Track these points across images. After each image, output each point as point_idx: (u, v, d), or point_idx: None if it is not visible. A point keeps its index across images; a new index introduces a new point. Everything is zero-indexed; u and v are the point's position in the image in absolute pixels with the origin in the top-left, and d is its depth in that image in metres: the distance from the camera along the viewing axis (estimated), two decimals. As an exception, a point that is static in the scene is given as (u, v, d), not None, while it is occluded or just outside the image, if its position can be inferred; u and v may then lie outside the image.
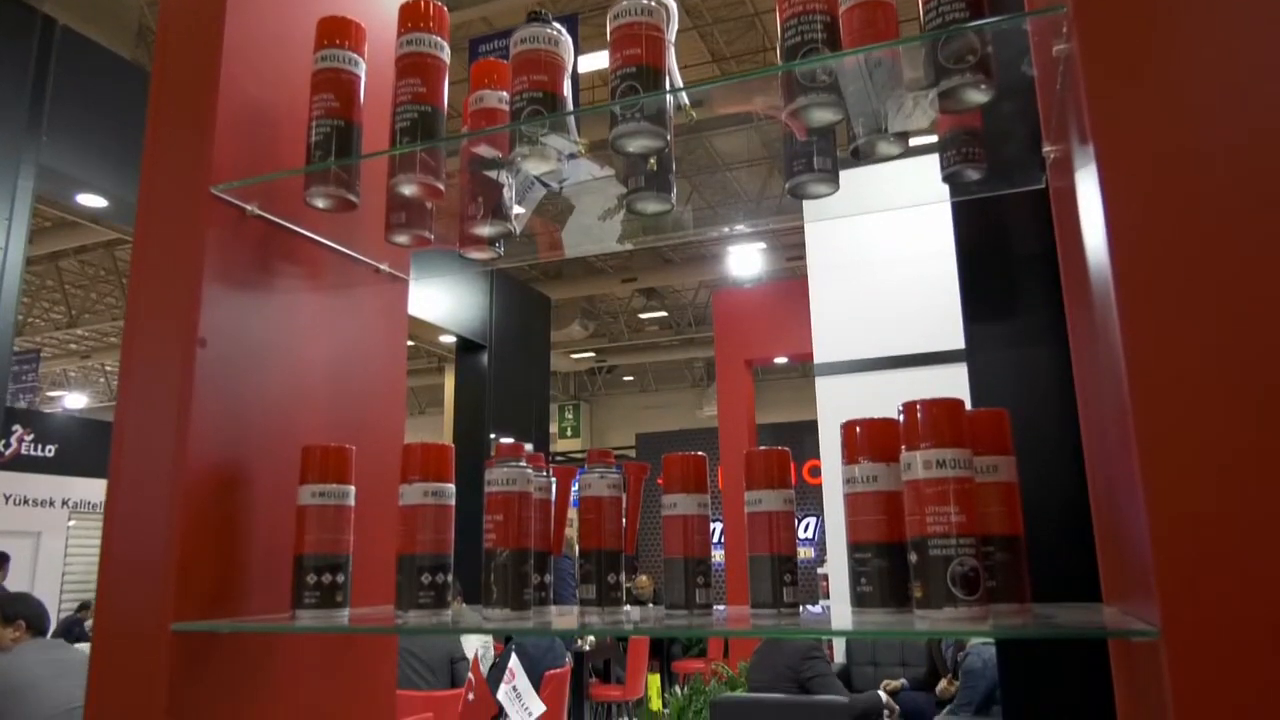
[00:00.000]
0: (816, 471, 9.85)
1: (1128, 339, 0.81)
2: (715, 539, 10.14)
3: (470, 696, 3.44)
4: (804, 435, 9.12)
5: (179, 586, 1.15)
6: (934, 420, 0.96)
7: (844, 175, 1.27)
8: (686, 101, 1.25)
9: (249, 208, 1.32)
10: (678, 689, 5.60)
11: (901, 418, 0.98)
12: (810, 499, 10.50)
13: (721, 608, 1.14)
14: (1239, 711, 0.72)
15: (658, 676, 9.00)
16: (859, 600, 0.99)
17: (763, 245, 11.05)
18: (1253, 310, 0.78)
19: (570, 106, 1.28)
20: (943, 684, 5.44)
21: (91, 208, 6.15)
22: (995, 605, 0.97)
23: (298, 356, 1.40)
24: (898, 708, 5.21)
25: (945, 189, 1.32)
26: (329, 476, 1.20)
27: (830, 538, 7.67)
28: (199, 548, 1.19)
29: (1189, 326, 0.80)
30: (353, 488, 1.22)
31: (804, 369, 14.52)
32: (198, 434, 1.20)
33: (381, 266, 1.58)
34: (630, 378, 18.56)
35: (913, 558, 0.95)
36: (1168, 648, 0.74)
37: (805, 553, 11.14)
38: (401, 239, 1.42)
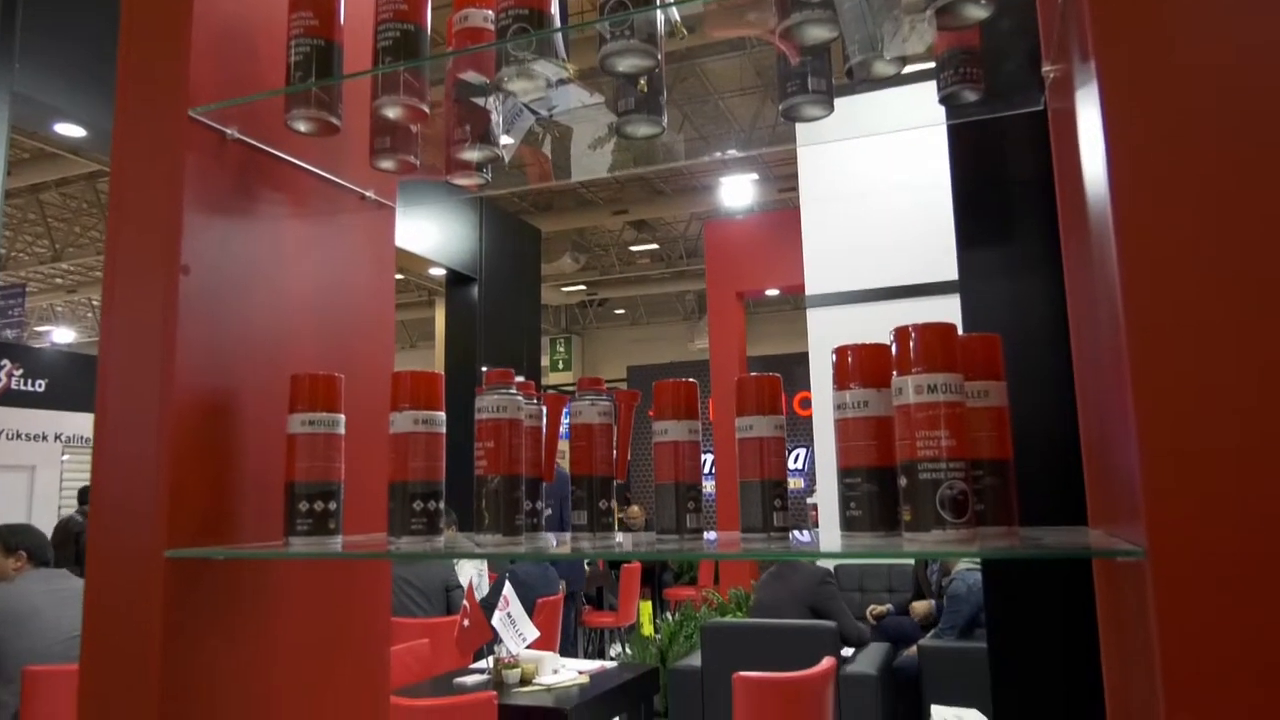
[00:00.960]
0: (807, 404, 9.93)
1: (1124, 266, 0.80)
2: (706, 470, 10.25)
3: (465, 623, 3.51)
4: (794, 367, 9.16)
5: (171, 514, 1.15)
6: (926, 345, 0.95)
7: (839, 101, 1.24)
8: (677, 17, 1.21)
9: (229, 132, 1.29)
10: (669, 615, 5.72)
11: (893, 343, 0.98)
12: (800, 431, 10.60)
13: (712, 534, 1.15)
14: (1221, 630, 0.74)
15: (649, 604, 9.19)
16: (848, 524, 0.99)
17: (755, 176, 10.93)
18: (1255, 239, 0.77)
19: (558, 25, 1.24)
20: (923, 606, 5.57)
21: (70, 137, 6.01)
22: (983, 528, 0.98)
23: (284, 284, 1.38)
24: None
25: (942, 111, 1.30)
26: (318, 405, 1.19)
27: (820, 469, 7.77)
28: (189, 476, 1.19)
29: (1188, 254, 0.79)
30: (342, 416, 1.22)
31: (795, 301, 14.51)
32: (184, 362, 1.19)
33: (367, 193, 1.55)
34: (621, 311, 18.53)
35: (902, 482, 0.95)
36: (1153, 567, 0.75)
37: (795, 483, 11.29)
38: (387, 164, 1.39)
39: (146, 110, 1.28)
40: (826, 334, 6.71)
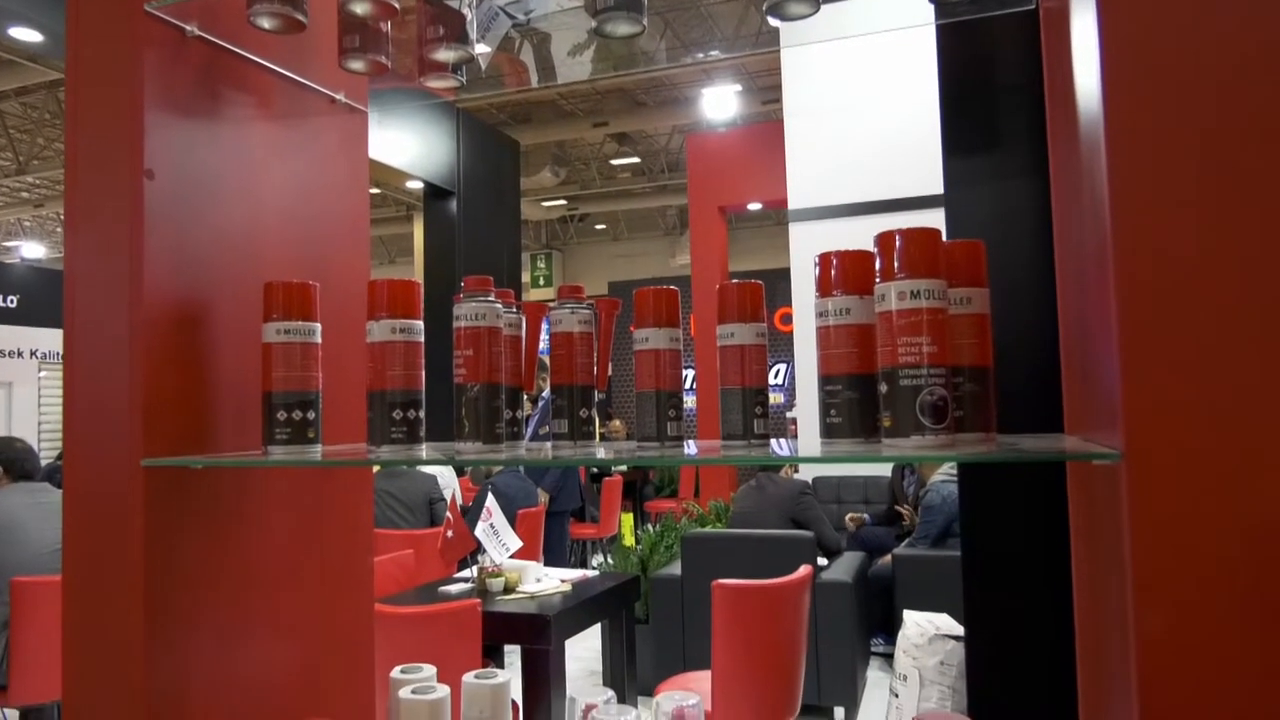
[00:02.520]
0: (788, 320, 9.95)
1: (1113, 172, 0.78)
2: (687, 386, 10.31)
3: (449, 534, 3.56)
4: (776, 283, 9.15)
5: (146, 424, 1.14)
6: (910, 250, 0.94)
7: (826, 7, 1.19)
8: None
9: (188, 28, 1.23)
10: (650, 527, 5.83)
11: (877, 249, 0.97)
12: (781, 346, 10.65)
13: (693, 442, 1.16)
14: (1192, 533, 0.75)
15: (630, 516, 9.36)
16: (828, 431, 1.00)
17: (738, 88, 10.70)
18: (1252, 150, 0.76)
19: (533, -86, 1.18)
20: (906, 514, 5.70)
21: (26, 42, 5.77)
22: (961, 435, 0.99)
23: (254, 190, 1.34)
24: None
25: (931, 11, 1.26)
26: (293, 313, 1.17)
27: (800, 384, 7.83)
28: (164, 385, 1.17)
29: (1180, 161, 0.77)
30: (318, 325, 1.20)
31: (777, 216, 14.39)
32: (153, 270, 1.16)
33: (338, 96, 1.49)
34: (603, 226, 18.34)
35: (883, 388, 0.95)
36: (1128, 470, 0.76)
37: (775, 398, 11.40)
38: (356, 65, 1.34)
39: (100, 4, 1.21)
40: (809, 249, 6.67)
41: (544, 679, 3.16)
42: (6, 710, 3.98)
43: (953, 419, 0.94)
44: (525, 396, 1.22)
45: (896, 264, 0.94)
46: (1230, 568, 0.74)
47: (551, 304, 1.17)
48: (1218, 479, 0.75)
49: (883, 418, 0.95)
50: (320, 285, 1.23)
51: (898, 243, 0.94)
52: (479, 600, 3.06)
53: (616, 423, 10.40)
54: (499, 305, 1.12)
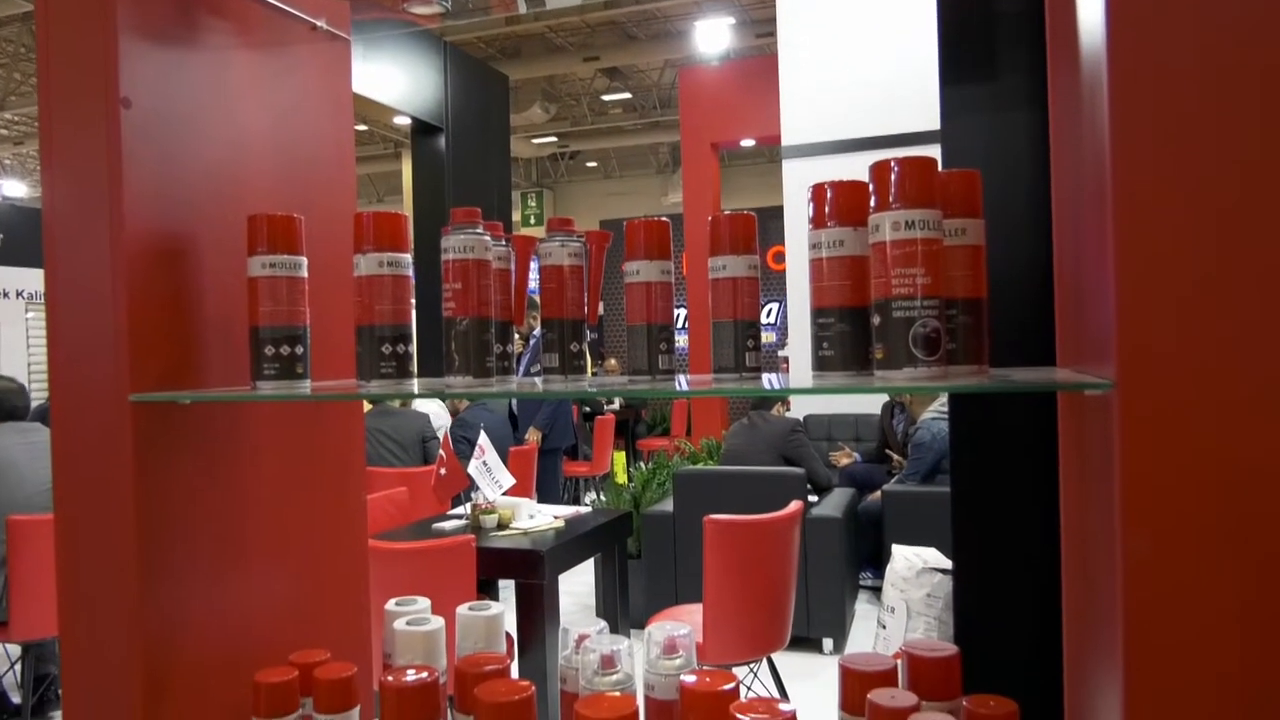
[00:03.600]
0: (780, 258, 9.90)
1: (1115, 101, 0.77)
2: (679, 325, 10.31)
3: (442, 471, 3.58)
4: (769, 221, 9.08)
5: (132, 358, 1.13)
6: (905, 180, 0.92)
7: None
8: None
9: (163, -51, 1.19)
10: (642, 465, 5.88)
11: (872, 178, 0.95)
12: (773, 285, 10.62)
13: (683, 377, 1.15)
14: (1181, 460, 0.75)
15: (623, 454, 9.43)
16: (819, 364, 0.99)
17: (731, 20, 10.47)
18: (1258, 83, 0.74)
19: None
20: (896, 461, 5.76)
21: (-1, -29, 5.59)
22: (953, 367, 0.98)
23: (235, 120, 1.31)
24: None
25: (931, -68, 1.22)
26: (278, 246, 1.15)
27: (792, 323, 7.83)
28: (149, 320, 1.16)
29: (1184, 90, 0.75)
30: (304, 258, 1.18)
31: (770, 154, 14.21)
32: (133, 202, 1.14)
33: (318, 23, 1.45)
34: (594, 164, 18.11)
35: (875, 320, 0.94)
36: (1120, 399, 0.76)
37: (768, 337, 11.41)
38: (338, -11, 1.29)
39: (70, -76, 1.17)
40: (802, 186, 6.59)
41: (538, 612, 3.21)
42: (8, 645, 4.04)
43: (945, 351, 0.93)
44: (516, 333, 1.21)
45: (891, 194, 0.93)
46: (1217, 494, 0.74)
47: (541, 237, 1.15)
48: (1208, 408, 0.75)
49: (875, 350, 0.95)
50: (306, 218, 1.20)
51: (893, 172, 0.93)
52: (473, 536, 3.09)
53: (612, 362, 10.42)
54: (487, 238, 1.10)
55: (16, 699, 4.02)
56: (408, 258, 1.14)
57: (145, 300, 1.15)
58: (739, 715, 0.94)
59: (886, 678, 1.06)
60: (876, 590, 4.96)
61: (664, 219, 1.08)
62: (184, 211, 1.22)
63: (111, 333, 1.13)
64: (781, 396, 5.41)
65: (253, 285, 1.15)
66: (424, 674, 1.10)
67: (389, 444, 4.93)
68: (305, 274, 1.18)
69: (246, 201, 1.28)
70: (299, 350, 1.16)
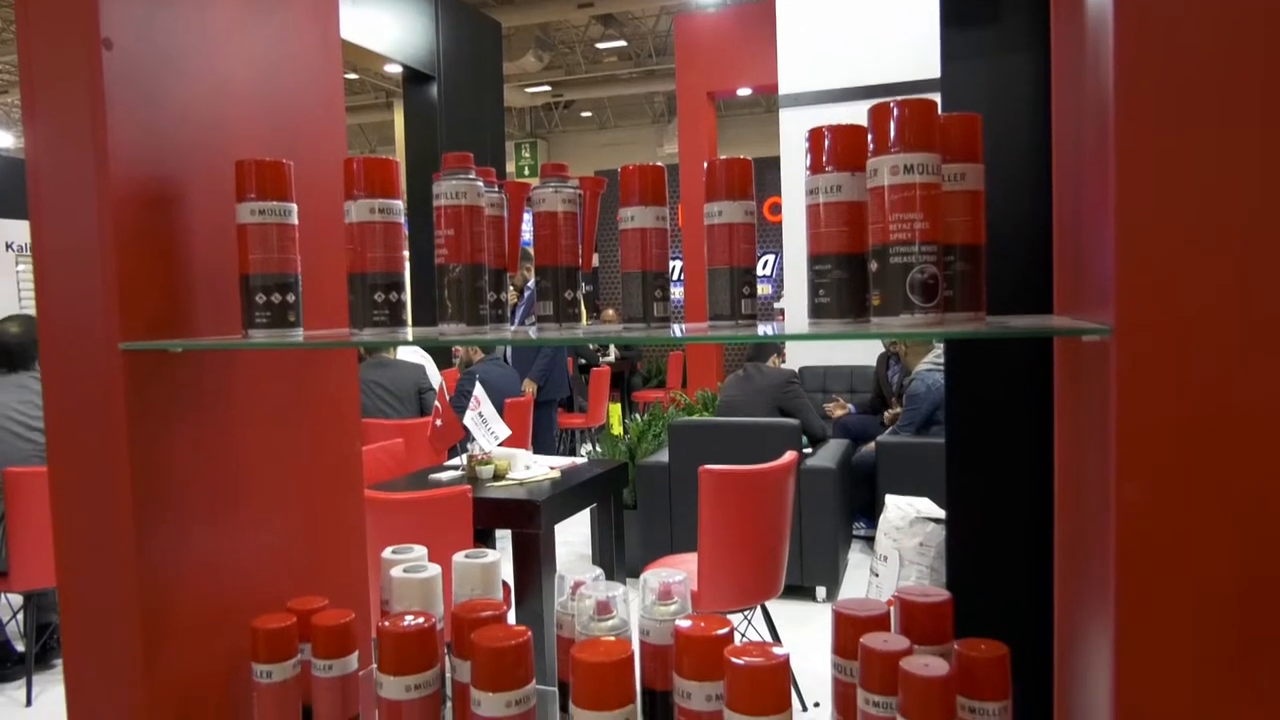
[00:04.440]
0: (777, 209, 9.83)
1: (1120, 43, 0.75)
2: (675, 277, 10.27)
3: (438, 422, 3.58)
4: (765, 172, 8.99)
5: (122, 306, 1.12)
6: (905, 123, 0.91)
7: None
8: None
9: (141, -117, 1.15)
10: (638, 417, 5.89)
11: (871, 121, 0.93)
12: (770, 237, 10.56)
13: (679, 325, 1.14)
14: (1177, 406, 0.75)
15: (618, 406, 9.46)
16: (815, 311, 0.98)
17: (729, -35, 10.26)
18: (1262, 27, 0.72)
19: None
20: (891, 415, 5.77)
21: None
22: (950, 314, 0.98)
23: (219, 64, 1.28)
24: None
25: None
26: (267, 192, 1.13)
27: (788, 274, 7.80)
28: (137, 267, 1.14)
29: (1189, 31, 0.74)
30: (294, 205, 1.16)
31: (768, 103, 14.04)
32: (118, 147, 1.11)
33: (305, -37, 1.41)
34: (588, 114, 17.88)
35: (873, 266, 0.93)
36: (1118, 344, 0.76)
37: (763, 289, 11.37)
38: (324, -74, 1.26)
39: None
40: (799, 136, 6.53)
41: (534, 561, 3.24)
42: (9, 595, 4.08)
43: (942, 298, 0.92)
44: (510, 282, 1.20)
45: (891, 137, 0.91)
46: (1212, 440, 0.74)
47: (535, 184, 1.13)
48: (1206, 354, 0.75)
49: (872, 296, 0.94)
50: (295, 166, 1.18)
51: (893, 115, 0.91)
52: (469, 486, 3.11)
53: (610, 312, 10.41)
54: (480, 183, 1.08)
55: (20, 647, 4.07)
56: (399, 204, 1.13)
57: (134, 247, 1.14)
58: (733, 659, 0.95)
59: (879, 622, 1.07)
60: (869, 540, 5.01)
61: (658, 164, 1.06)
62: (170, 157, 1.19)
63: (100, 280, 1.12)
64: (777, 347, 5.42)
65: (242, 232, 1.14)
66: (421, 619, 1.11)
67: (385, 396, 4.93)
68: (295, 221, 1.16)
69: (233, 148, 1.26)
70: (290, 298, 1.15)
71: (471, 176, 1.07)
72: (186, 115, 1.22)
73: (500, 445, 3.64)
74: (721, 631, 1.02)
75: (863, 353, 6.89)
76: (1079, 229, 1.01)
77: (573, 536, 5.49)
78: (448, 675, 1.20)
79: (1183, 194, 0.75)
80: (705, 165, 1.03)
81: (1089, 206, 0.91)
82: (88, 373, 1.15)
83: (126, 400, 1.13)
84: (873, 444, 5.34)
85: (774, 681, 0.94)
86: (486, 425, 3.50)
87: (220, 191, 1.19)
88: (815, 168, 0.98)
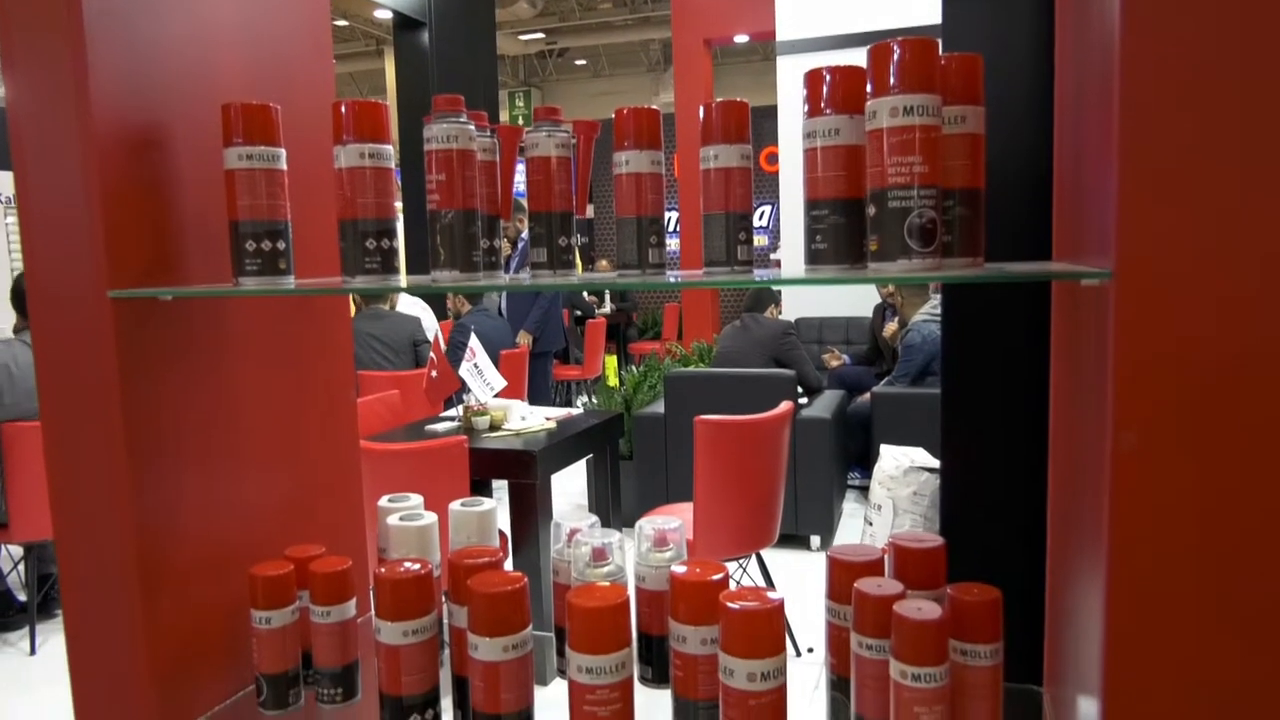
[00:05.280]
0: (774, 160, 9.73)
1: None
2: (671, 228, 10.20)
3: (433, 373, 3.58)
4: (762, 121, 8.89)
5: (109, 254, 1.10)
6: (905, 63, 0.89)
7: None
8: None
9: None
10: (633, 368, 5.90)
11: (870, 61, 0.91)
12: (767, 187, 10.48)
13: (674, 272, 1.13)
14: (1175, 350, 0.74)
15: (614, 358, 9.47)
16: (812, 258, 0.97)
17: (726, -93, 10.01)
18: None
19: None
20: (892, 328, 5.78)
21: None
22: (948, 259, 0.97)
23: (202, 5, 1.24)
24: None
25: None
26: (255, 137, 1.11)
27: (786, 226, 7.75)
28: (125, 214, 1.12)
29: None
30: (283, 150, 1.14)
31: (765, 52, 13.83)
32: (100, 92, 1.09)
33: (289, -101, 1.37)
34: (583, 61, 17.61)
35: (871, 211, 0.92)
36: (1117, 289, 0.75)
37: (760, 240, 11.31)
38: None
39: None
40: (797, 84, 6.44)
41: (531, 511, 3.26)
42: (10, 546, 4.11)
43: (941, 243, 0.91)
44: (503, 232, 1.18)
45: (891, 78, 0.89)
46: (1210, 386, 0.74)
47: (527, 128, 1.11)
48: (1206, 300, 0.74)
49: (869, 241, 0.93)
50: (283, 109, 1.16)
51: (893, 55, 0.89)
52: (465, 437, 3.11)
53: (604, 262, 10.36)
54: (471, 127, 1.06)
55: (22, 597, 4.11)
56: (389, 149, 1.11)
57: (120, 194, 1.12)
58: (728, 603, 0.96)
59: (873, 568, 1.08)
60: (864, 489, 5.05)
61: (653, 107, 1.04)
62: (155, 101, 1.17)
63: (87, 227, 1.10)
64: (775, 299, 5.40)
65: (230, 178, 1.12)
66: (418, 565, 1.11)
67: (380, 349, 4.92)
68: (284, 166, 1.14)
69: (220, 92, 1.23)
70: (281, 245, 1.14)
71: (463, 120, 1.05)
72: (170, 58, 1.19)
73: (496, 396, 3.64)
74: (717, 577, 1.03)
75: (859, 304, 6.88)
76: (1080, 173, 0.99)
77: (569, 487, 5.52)
78: (445, 622, 1.21)
79: (1186, 137, 0.74)
80: (701, 108, 1.01)
81: (1091, 149, 0.90)
82: (77, 322, 1.14)
83: (117, 349, 1.13)
84: (868, 394, 5.35)
85: (768, 625, 0.95)
86: (482, 376, 3.50)
87: (207, 137, 1.17)
88: (813, 111, 0.97)
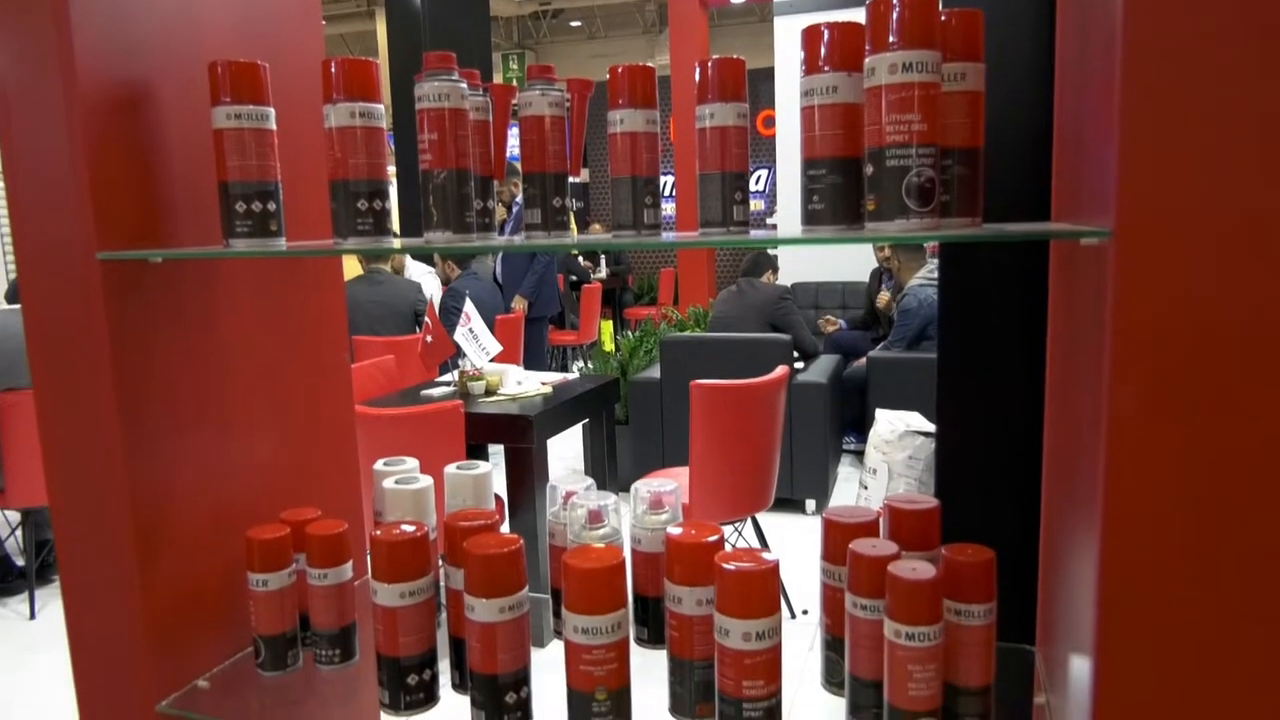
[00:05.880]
0: (771, 123, 9.65)
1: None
2: (666, 193, 10.14)
3: (428, 338, 3.57)
4: (759, 84, 8.81)
5: (98, 215, 1.09)
6: (905, 18, 0.87)
7: None
8: None
9: None
10: (629, 333, 5.88)
11: (869, 15, 0.90)
12: (763, 151, 10.40)
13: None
14: (1175, 314, 0.74)
15: (610, 323, 9.46)
16: (809, 218, 0.96)
17: None
18: None
19: None
20: (885, 297, 5.78)
21: None
22: (946, 219, 0.96)
23: (188, -41, 1.22)
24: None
25: None
26: (243, 96, 1.09)
27: (782, 190, 7.70)
28: (113, 175, 1.11)
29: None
30: (271, 109, 1.12)
31: (762, 12, 13.64)
32: (85, 49, 1.07)
33: None
34: (578, 23, 17.37)
35: (868, 170, 0.91)
36: (1117, 248, 0.74)
37: (756, 205, 11.25)
38: None
39: None
40: (795, 46, 6.37)
41: (527, 475, 3.27)
42: (8, 512, 4.12)
43: (939, 203, 0.90)
44: (496, 194, 1.17)
45: (890, 33, 0.88)
46: (1209, 346, 0.74)
47: (520, 87, 1.09)
48: (1205, 260, 0.73)
49: (867, 201, 0.92)
50: (271, 68, 1.14)
51: (893, 9, 0.87)
52: (461, 402, 3.11)
53: (597, 226, 10.32)
54: (464, 85, 1.04)
55: (20, 562, 4.13)
56: (380, 108, 1.09)
57: (107, 154, 1.10)
58: (724, 564, 0.96)
59: (868, 529, 1.09)
60: (859, 454, 5.07)
61: (648, 64, 1.02)
62: (140, 60, 1.15)
63: (74, 188, 1.09)
64: (772, 264, 5.38)
65: (218, 138, 1.10)
66: (414, 528, 1.11)
67: (381, 315, 4.89)
68: (273, 126, 1.13)
69: (206, 51, 1.21)
70: (271, 207, 1.12)
71: (454, 77, 1.03)
72: (155, 15, 1.17)
73: (491, 361, 3.64)
74: (712, 538, 1.03)
75: (855, 269, 6.87)
76: (1081, 131, 0.98)
77: (566, 452, 5.54)
78: (442, 585, 1.21)
79: (1190, 94, 0.72)
80: (697, 65, 0.99)
81: (1092, 106, 0.89)
82: (67, 285, 1.13)
83: (108, 312, 1.12)
84: (864, 359, 5.35)
85: (764, 585, 0.96)
86: (477, 341, 3.49)
87: (196, 97, 1.15)
88: (811, 68, 0.95)
